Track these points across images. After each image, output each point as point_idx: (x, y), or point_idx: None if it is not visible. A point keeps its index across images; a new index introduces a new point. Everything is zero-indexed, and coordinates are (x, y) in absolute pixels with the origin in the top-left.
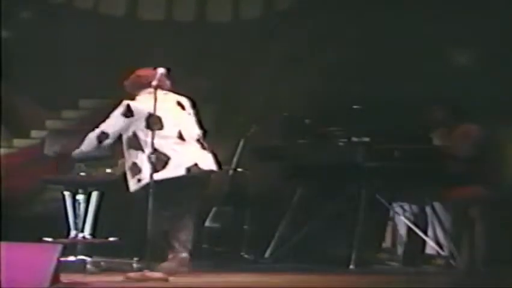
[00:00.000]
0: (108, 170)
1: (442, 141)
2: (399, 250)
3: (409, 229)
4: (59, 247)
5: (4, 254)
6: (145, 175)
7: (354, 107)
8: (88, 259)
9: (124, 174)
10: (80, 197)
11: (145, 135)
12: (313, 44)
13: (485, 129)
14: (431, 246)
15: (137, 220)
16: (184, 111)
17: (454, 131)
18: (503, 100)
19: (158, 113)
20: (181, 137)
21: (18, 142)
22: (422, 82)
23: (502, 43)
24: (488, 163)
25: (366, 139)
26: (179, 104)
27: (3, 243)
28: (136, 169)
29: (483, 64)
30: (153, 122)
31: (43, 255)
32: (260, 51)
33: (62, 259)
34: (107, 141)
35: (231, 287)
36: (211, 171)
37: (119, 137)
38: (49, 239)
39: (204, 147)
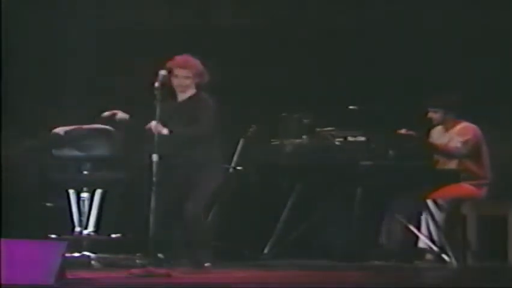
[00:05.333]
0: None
1: (438, 140)
2: (394, 246)
3: (403, 226)
4: (65, 244)
5: (10, 251)
6: None
7: (351, 107)
8: (93, 255)
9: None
10: (85, 195)
11: None
12: (311, 43)
13: (481, 127)
14: (424, 242)
15: (140, 217)
16: None
17: (450, 129)
18: (500, 99)
19: None
20: None
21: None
22: (420, 81)
23: (501, 42)
24: (482, 161)
25: (362, 138)
26: None
27: (9, 240)
28: None
29: (482, 63)
30: None
31: (49, 252)
32: (260, 51)
33: (67, 255)
34: None
35: (230, 283)
36: None
37: None
38: (54, 236)
39: None
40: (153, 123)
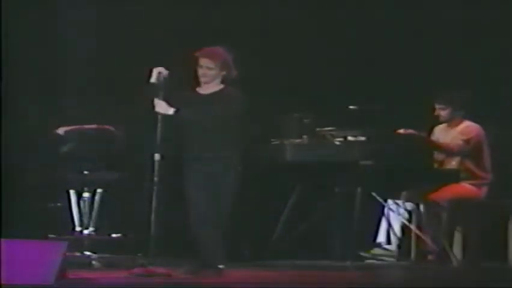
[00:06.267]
0: None
1: (441, 138)
2: (392, 247)
3: (403, 226)
4: (65, 244)
5: (10, 251)
6: None
7: (351, 107)
8: (93, 255)
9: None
10: (86, 195)
11: None
12: (311, 43)
13: (484, 127)
14: (424, 242)
15: (141, 216)
16: None
17: (453, 127)
18: (502, 99)
19: None
20: None
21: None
22: (420, 81)
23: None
24: (483, 161)
25: (362, 138)
26: None
27: (10, 241)
28: None
29: (482, 63)
30: None
31: (49, 252)
32: (259, 51)
33: (67, 255)
34: None
35: (230, 283)
36: None
37: None
38: (54, 236)
39: None
40: (158, 102)
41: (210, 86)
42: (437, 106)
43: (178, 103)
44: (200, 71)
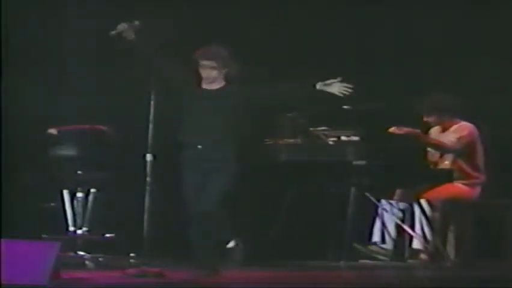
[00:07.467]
0: None
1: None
2: (388, 246)
3: (397, 225)
4: (59, 244)
5: (5, 251)
6: None
7: (344, 107)
8: (87, 255)
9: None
10: (80, 195)
11: None
12: (306, 43)
13: (477, 127)
14: (418, 242)
15: (134, 216)
16: None
17: (447, 128)
18: (496, 99)
19: None
20: None
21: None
22: (414, 81)
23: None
24: (476, 160)
25: (356, 138)
26: None
27: (4, 240)
28: None
29: (478, 62)
30: None
31: (43, 252)
32: (253, 50)
33: (61, 255)
34: None
35: (230, 283)
36: None
37: None
38: (48, 236)
39: None
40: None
41: (213, 84)
42: (422, 115)
43: (183, 99)
44: (203, 73)
